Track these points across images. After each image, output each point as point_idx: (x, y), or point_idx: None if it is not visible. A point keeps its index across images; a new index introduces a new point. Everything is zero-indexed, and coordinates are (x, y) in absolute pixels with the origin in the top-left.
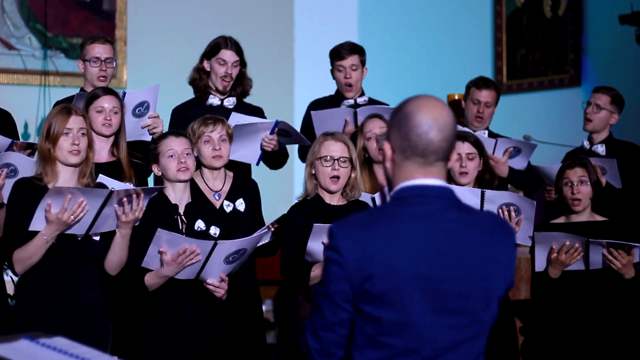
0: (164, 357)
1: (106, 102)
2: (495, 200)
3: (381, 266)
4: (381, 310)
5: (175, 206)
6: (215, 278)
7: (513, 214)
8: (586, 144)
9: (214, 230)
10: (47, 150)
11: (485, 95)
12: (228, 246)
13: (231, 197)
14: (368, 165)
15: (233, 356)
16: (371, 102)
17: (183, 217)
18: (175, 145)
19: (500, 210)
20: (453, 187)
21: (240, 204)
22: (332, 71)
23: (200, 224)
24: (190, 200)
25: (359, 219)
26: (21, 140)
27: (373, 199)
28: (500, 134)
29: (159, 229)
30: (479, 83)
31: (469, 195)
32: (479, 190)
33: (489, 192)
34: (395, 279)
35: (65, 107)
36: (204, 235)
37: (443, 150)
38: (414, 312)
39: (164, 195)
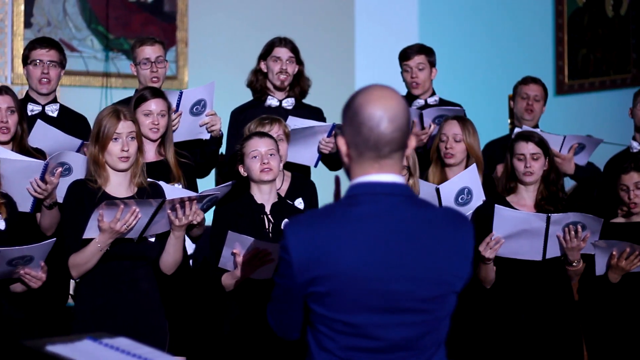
0: (250, 340)
1: (154, 105)
2: (561, 221)
3: (325, 268)
4: (329, 310)
5: (262, 206)
6: None
7: (580, 232)
8: (635, 145)
9: None
10: (96, 155)
11: (533, 88)
12: None
13: (290, 196)
14: (441, 162)
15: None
16: (442, 102)
17: (270, 216)
18: (259, 146)
19: (566, 229)
20: (522, 212)
21: (300, 204)
22: (401, 73)
23: None
24: (276, 200)
25: (309, 219)
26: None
27: (437, 190)
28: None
29: (229, 231)
30: (526, 79)
31: (534, 220)
32: (544, 215)
33: (554, 216)
34: (341, 280)
35: (114, 110)
36: None
37: (396, 141)
38: (361, 313)
39: (250, 196)
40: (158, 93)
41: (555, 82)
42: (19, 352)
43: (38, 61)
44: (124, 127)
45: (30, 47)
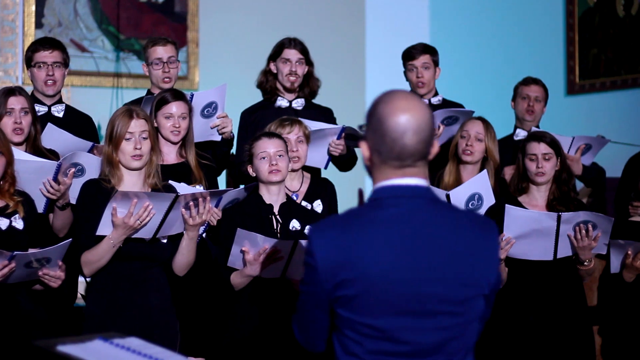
0: (251, 353)
1: (175, 108)
2: (572, 220)
3: (352, 272)
4: (356, 314)
5: (270, 206)
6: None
7: (591, 231)
8: None
9: None
10: (110, 154)
11: (534, 89)
12: None
13: (309, 197)
14: (457, 159)
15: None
16: (445, 102)
17: (278, 216)
18: (268, 147)
19: (577, 229)
20: (533, 211)
21: (318, 205)
22: (405, 73)
23: (295, 224)
24: (285, 200)
25: (334, 223)
26: (101, 143)
27: (447, 196)
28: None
29: (238, 228)
30: (527, 80)
31: (544, 219)
32: (555, 214)
33: (565, 215)
34: (367, 284)
35: (127, 110)
36: (300, 235)
37: (420, 152)
38: (389, 316)
39: (259, 196)
40: (179, 95)
41: (566, 82)
42: (30, 352)
43: (42, 63)
44: (137, 125)
45: (33, 49)
